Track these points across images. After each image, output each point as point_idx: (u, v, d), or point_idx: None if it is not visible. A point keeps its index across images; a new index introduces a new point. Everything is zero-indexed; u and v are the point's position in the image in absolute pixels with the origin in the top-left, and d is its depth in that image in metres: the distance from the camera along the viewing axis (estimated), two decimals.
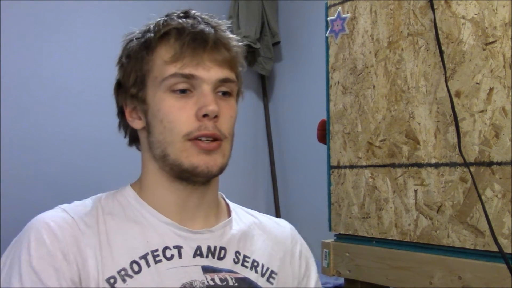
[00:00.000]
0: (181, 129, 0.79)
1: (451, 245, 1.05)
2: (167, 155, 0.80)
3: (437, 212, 1.08)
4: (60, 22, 2.02)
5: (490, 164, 1.00)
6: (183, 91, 0.80)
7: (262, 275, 0.86)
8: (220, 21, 0.86)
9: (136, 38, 0.85)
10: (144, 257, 0.79)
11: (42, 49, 1.97)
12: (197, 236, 0.83)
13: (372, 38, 1.23)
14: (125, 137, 0.92)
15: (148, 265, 0.78)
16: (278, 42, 2.59)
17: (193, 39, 0.80)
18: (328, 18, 1.34)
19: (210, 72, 0.80)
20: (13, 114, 1.87)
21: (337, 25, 1.32)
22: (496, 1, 0.99)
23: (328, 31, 1.34)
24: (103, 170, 2.02)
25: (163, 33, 0.82)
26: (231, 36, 0.85)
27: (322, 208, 1.37)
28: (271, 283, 0.87)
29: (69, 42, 2.04)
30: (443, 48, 1.08)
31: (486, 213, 0.96)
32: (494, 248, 0.95)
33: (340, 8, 1.31)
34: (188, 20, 0.82)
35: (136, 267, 0.77)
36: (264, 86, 2.66)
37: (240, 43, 0.87)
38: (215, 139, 0.80)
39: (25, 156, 1.90)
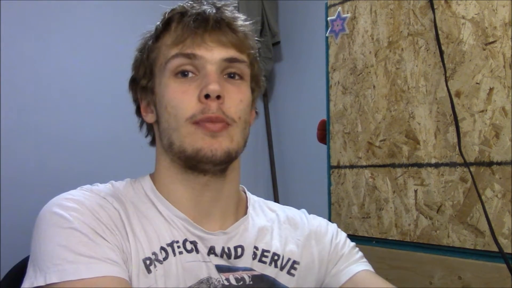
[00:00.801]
0: (184, 113, 0.75)
1: (451, 245, 1.05)
2: (173, 143, 0.77)
3: (437, 212, 1.08)
4: (63, 22, 2.01)
5: (490, 164, 1.00)
6: (186, 74, 0.77)
7: (282, 268, 0.83)
8: (226, 2, 0.83)
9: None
10: (171, 245, 0.77)
11: (44, 49, 1.97)
12: (210, 237, 0.80)
13: (372, 38, 1.23)
14: (146, 136, 0.88)
15: (174, 254, 0.76)
16: (278, 42, 2.59)
17: (194, 20, 0.77)
18: (328, 18, 1.34)
19: (212, 52, 0.77)
20: (13, 115, 1.87)
21: (337, 25, 1.32)
22: (496, 1, 0.99)
23: (328, 31, 1.34)
24: (105, 173, 2.01)
25: (167, 19, 0.80)
26: (237, 15, 0.82)
27: (322, 208, 1.37)
28: (292, 275, 0.83)
29: (72, 42, 2.03)
30: (443, 48, 1.08)
31: (486, 213, 0.96)
32: (494, 248, 0.95)
33: (340, 8, 1.31)
34: (194, 4, 0.80)
35: (164, 254, 0.75)
36: (264, 86, 2.66)
37: (247, 22, 0.83)
38: (220, 122, 0.76)
39: (26, 158, 1.90)
